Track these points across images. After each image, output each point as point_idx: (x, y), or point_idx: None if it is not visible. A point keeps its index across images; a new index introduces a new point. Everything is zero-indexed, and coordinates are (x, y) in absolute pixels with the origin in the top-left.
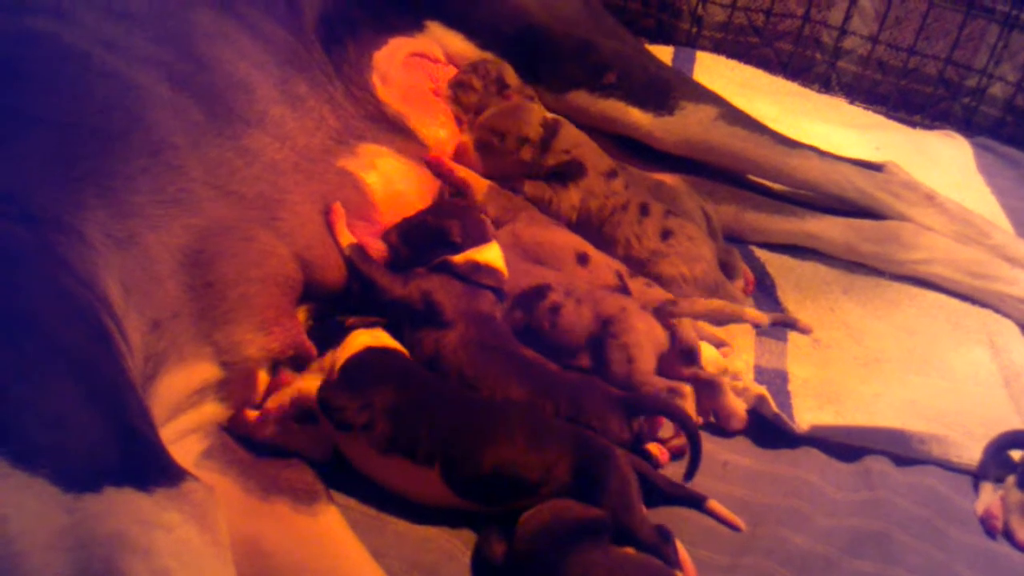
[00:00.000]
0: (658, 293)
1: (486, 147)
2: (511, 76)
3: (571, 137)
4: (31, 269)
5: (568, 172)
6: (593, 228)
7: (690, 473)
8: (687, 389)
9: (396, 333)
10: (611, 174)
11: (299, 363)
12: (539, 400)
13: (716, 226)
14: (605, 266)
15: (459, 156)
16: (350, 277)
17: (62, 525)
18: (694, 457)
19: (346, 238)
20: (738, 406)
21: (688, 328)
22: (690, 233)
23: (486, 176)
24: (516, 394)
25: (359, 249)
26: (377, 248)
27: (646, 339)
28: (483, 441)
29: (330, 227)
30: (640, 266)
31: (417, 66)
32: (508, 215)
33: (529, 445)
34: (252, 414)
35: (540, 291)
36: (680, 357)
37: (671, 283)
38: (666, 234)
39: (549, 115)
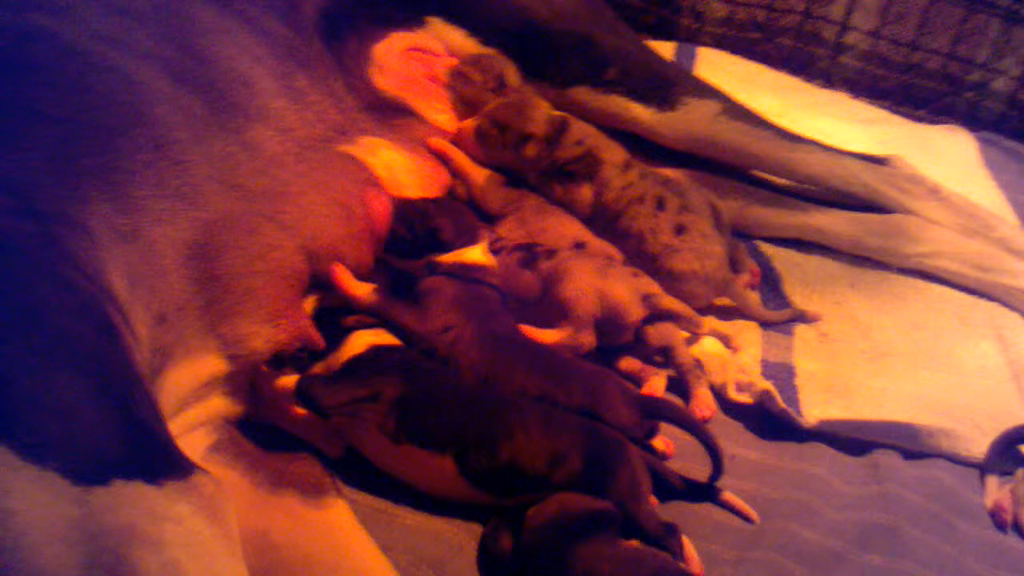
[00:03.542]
0: (643, 282)
1: (485, 136)
2: (512, 76)
3: (581, 129)
4: (36, 263)
5: (582, 168)
6: (608, 221)
7: (714, 478)
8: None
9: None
10: (626, 165)
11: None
12: (552, 390)
13: (725, 220)
14: (599, 252)
15: (457, 140)
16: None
17: (72, 518)
18: (715, 464)
19: (360, 288)
20: (709, 397)
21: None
22: (703, 230)
23: (482, 164)
24: (530, 384)
25: (380, 294)
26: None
27: (620, 293)
28: (499, 431)
29: (338, 286)
30: (652, 260)
31: (415, 58)
32: (510, 207)
33: (544, 436)
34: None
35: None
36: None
37: (682, 278)
38: (680, 229)
39: (556, 113)
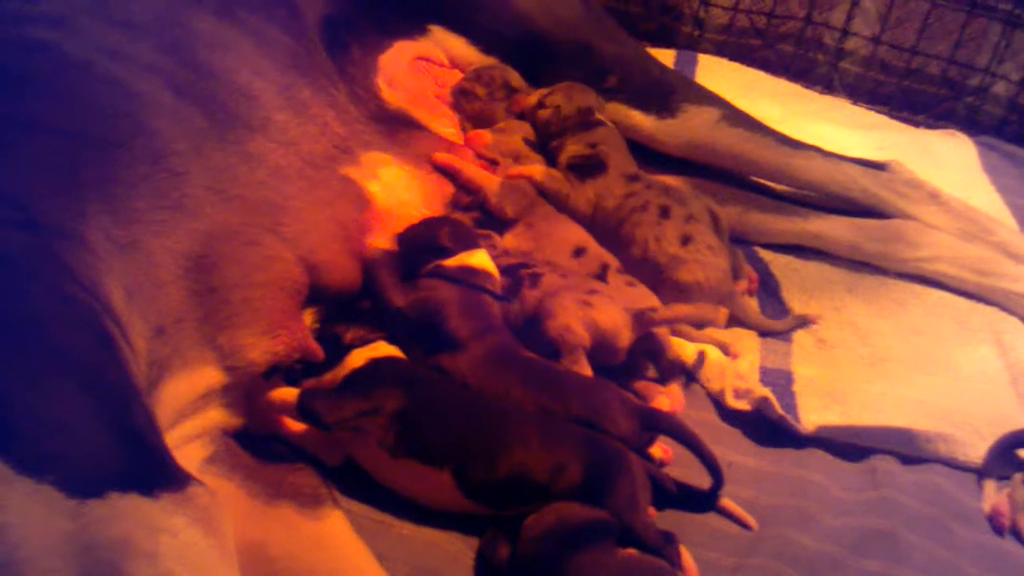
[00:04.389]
0: (639, 292)
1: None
2: (517, 80)
3: (602, 136)
4: (34, 275)
5: (588, 167)
6: (609, 228)
7: (714, 490)
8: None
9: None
10: (633, 178)
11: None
12: (550, 403)
13: (724, 227)
14: (596, 258)
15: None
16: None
17: (67, 531)
18: (715, 476)
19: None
20: (678, 391)
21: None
22: (710, 242)
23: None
24: (527, 399)
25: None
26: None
27: (607, 321)
28: (498, 445)
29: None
30: (658, 270)
31: (423, 70)
32: (525, 212)
33: (543, 448)
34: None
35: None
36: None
37: (687, 290)
38: (686, 240)
39: (599, 114)
